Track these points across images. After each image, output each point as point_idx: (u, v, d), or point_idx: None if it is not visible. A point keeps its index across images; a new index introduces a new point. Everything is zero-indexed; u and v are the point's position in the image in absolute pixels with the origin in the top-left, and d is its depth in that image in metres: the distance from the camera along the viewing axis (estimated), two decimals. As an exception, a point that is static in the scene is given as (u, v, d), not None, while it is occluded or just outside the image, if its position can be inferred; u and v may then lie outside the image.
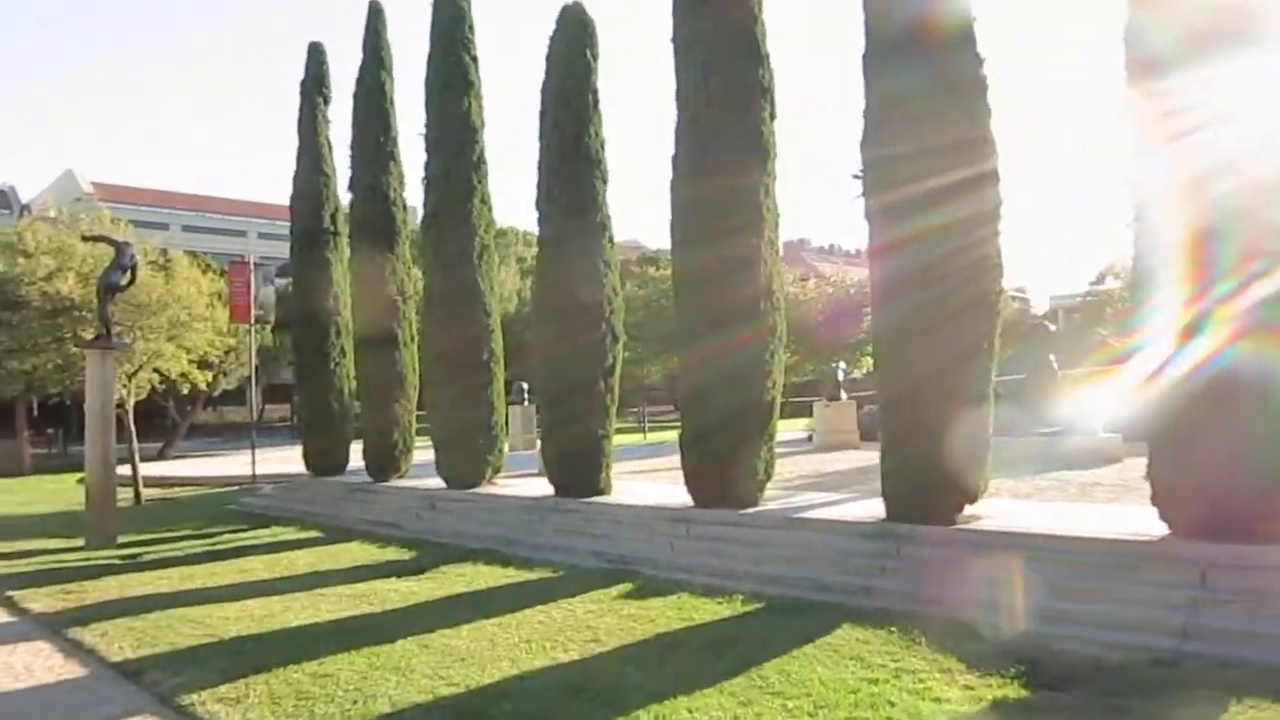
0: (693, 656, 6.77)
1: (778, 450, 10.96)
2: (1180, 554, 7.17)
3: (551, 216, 12.45)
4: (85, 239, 20.59)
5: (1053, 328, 18.64)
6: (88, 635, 8.40)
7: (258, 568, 11.76)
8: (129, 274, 15.66)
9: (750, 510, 10.37)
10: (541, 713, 5.69)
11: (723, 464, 10.38)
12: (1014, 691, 5.69)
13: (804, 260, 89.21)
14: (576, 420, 12.31)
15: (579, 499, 12.42)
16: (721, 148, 10.14)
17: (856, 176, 8.98)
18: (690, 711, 5.57)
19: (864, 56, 9.05)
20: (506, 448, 15.77)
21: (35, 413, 36.98)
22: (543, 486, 13.25)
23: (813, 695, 5.76)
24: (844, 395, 21.93)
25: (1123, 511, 9.05)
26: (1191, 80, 6.74)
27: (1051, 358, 16.26)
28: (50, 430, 39.09)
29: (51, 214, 30.11)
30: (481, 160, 14.32)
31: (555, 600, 8.82)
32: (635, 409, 47.22)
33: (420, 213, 14.81)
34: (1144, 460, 7.58)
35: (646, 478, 15.27)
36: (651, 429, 35.70)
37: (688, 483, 10.94)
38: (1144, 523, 7.68)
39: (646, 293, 37.56)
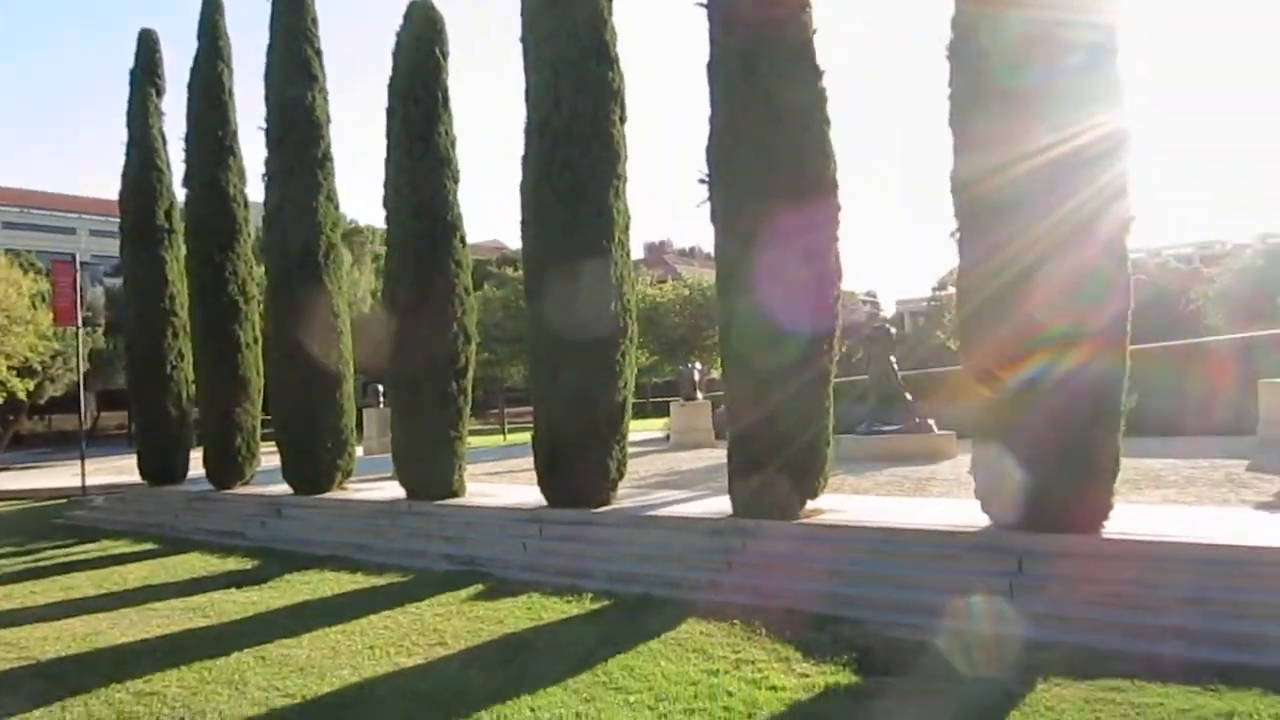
0: (539, 656, 6.79)
1: (634, 450, 11.12)
2: (999, 544, 7.69)
3: (400, 216, 12.20)
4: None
5: (893, 331, 19.52)
6: None
7: (84, 584, 11.04)
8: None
9: (602, 509, 10.47)
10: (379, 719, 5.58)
11: (574, 464, 10.44)
12: (845, 678, 5.97)
13: (665, 262, 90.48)
14: (428, 422, 12.11)
15: (431, 501, 12.24)
16: (571, 149, 10.18)
17: (702, 181, 9.19)
18: (533, 710, 5.59)
19: (708, 66, 9.27)
20: (358, 451, 15.35)
21: None
22: (395, 490, 12.98)
23: (655, 689, 5.88)
24: (700, 395, 22.39)
25: (954, 505, 9.60)
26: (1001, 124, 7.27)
27: (893, 359, 17.06)
28: None
29: None
30: (327, 156, 13.91)
31: (403, 605, 8.67)
32: (495, 410, 46.85)
33: (263, 210, 14.22)
34: (972, 457, 8.10)
35: (504, 479, 15.17)
36: (511, 430, 35.51)
37: (541, 483, 10.96)
38: (971, 515, 8.18)
39: (505, 293, 37.27)
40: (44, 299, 23.03)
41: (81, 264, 24.65)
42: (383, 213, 12.68)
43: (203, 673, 6.81)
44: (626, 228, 10.52)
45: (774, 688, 5.80)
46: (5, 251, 39.37)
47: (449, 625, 7.84)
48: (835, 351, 9.02)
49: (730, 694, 5.72)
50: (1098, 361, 7.05)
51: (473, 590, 9.15)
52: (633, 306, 10.59)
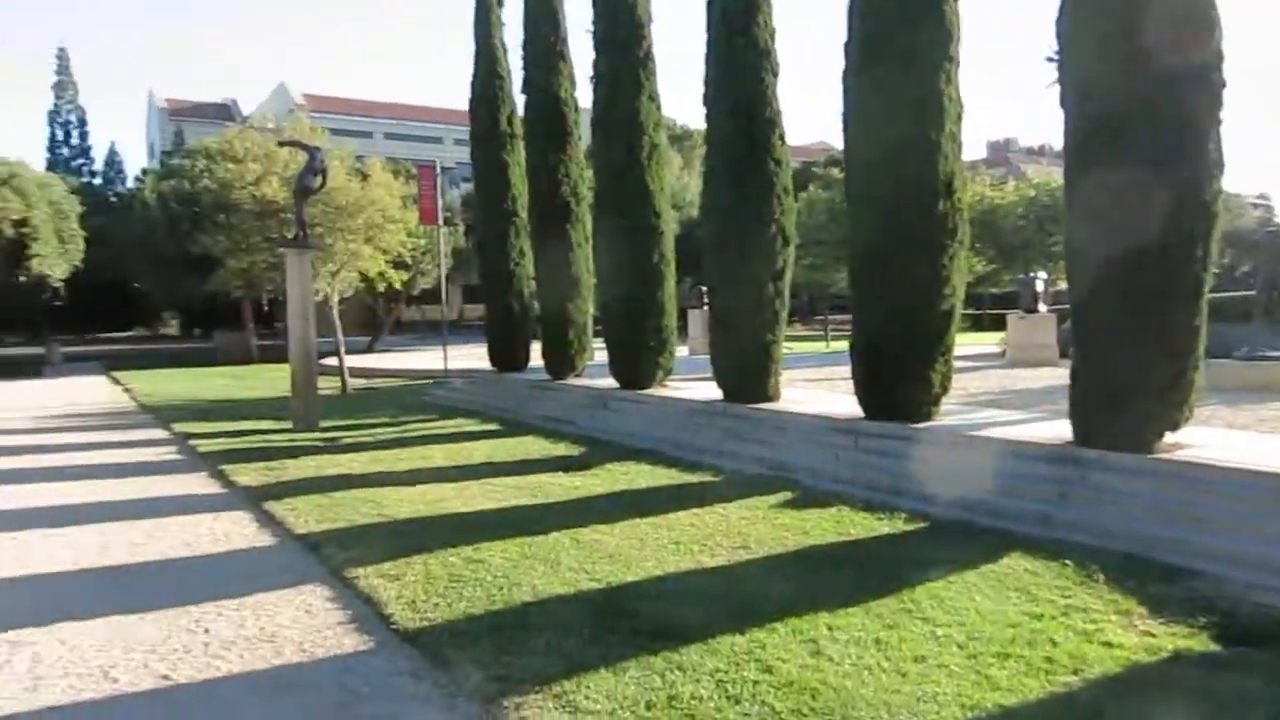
0: (841, 572, 6.51)
1: (963, 364, 10.31)
2: None
3: (717, 114, 11.96)
4: (280, 145, 21.89)
5: (1293, 237, 16.38)
6: (280, 509, 9.11)
7: (437, 456, 12.37)
8: (320, 177, 16.52)
9: (922, 425, 9.84)
10: (677, 615, 5.63)
11: (893, 375, 9.86)
12: (1200, 644, 5.10)
13: (1008, 161, 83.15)
14: (746, 325, 12.00)
15: (746, 404, 12.23)
16: (896, 28, 9.27)
17: (1051, 59, 7.98)
18: (830, 629, 5.35)
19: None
20: (683, 350, 15.68)
21: (266, 308, 40.43)
22: (712, 391, 13.13)
23: (966, 625, 5.39)
24: (1043, 307, 20.39)
25: (1360, 446, 7.91)
26: None
27: (1289, 270, 14.38)
28: (278, 324, 42.74)
29: (266, 124, 32.21)
30: (649, 57, 13.90)
31: (710, 504, 8.74)
32: (820, 317, 46.24)
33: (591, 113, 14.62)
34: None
35: (822, 387, 14.83)
36: (835, 337, 34.77)
37: (857, 393, 10.50)
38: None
39: (830, 195, 36.05)
40: (411, 201, 25.76)
41: (442, 169, 27.25)
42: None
43: (524, 548, 7.31)
44: (959, 118, 9.48)
45: (1108, 644, 5.09)
46: (386, 159, 44.73)
47: (753, 529, 7.78)
48: (1211, 259, 7.57)
49: (1054, 643, 5.10)
50: None
51: (780, 497, 9.02)
52: (963, 206, 9.62)
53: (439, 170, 25.09)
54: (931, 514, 8.08)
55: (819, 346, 29.57)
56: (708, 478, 10.26)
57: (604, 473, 10.78)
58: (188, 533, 8.44)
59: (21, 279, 33.55)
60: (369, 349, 37.69)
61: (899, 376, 9.84)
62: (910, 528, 7.77)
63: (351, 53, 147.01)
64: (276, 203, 21.25)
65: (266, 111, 49.30)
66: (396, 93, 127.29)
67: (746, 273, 11.82)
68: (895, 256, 9.48)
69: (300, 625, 5.87)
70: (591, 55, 14.20)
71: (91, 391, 24.38)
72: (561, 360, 16.83)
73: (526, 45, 16.37)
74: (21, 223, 33.12)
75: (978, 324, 37.62)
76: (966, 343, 20.83)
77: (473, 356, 26.00)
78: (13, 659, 5.37)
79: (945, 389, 10.01)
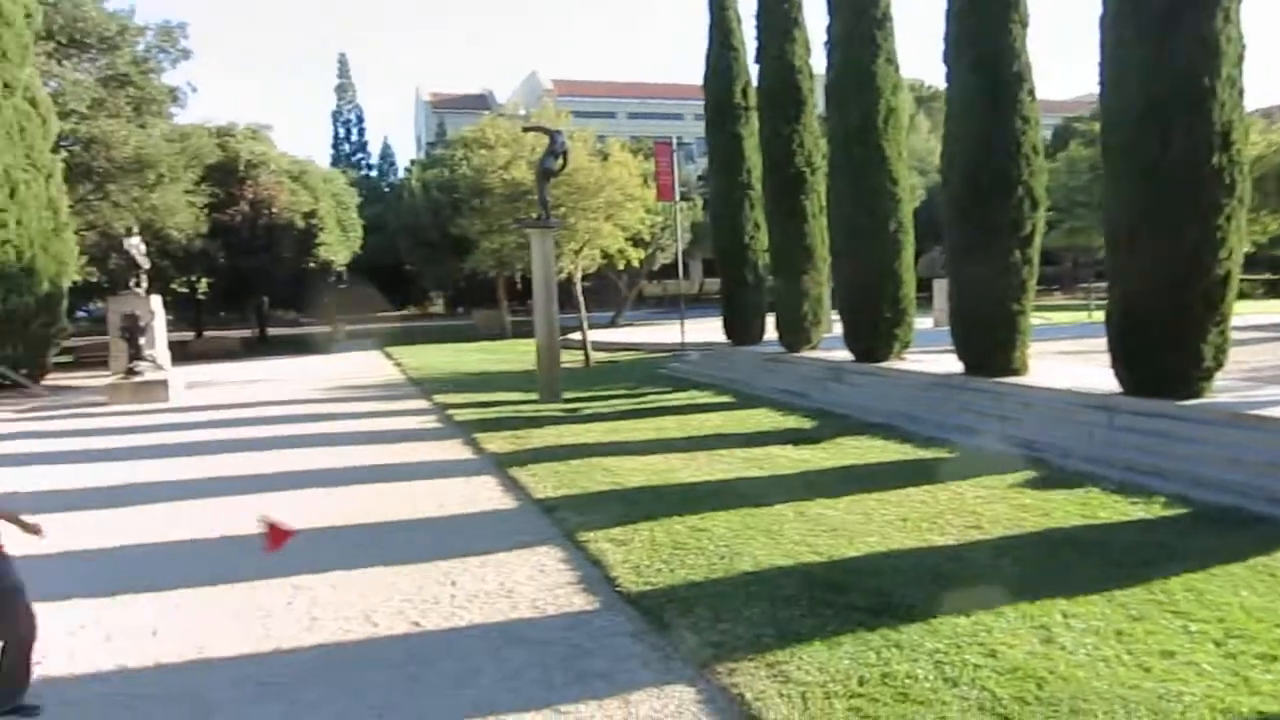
0: (1084, 557, 6.06)
1: (1245, 336, 9.20)
2: None
3: (958, 71, 11.30)
4: (525, 130, 23.06)
5: None
6: (523, 474, 9.72)
7: (670, 426, 12.69)
8: (561, 159, 17.26)
9: (1190, 401, 8.91)
10: (898, 593, 5.48)
11: (1156, 347, 8.97)
12: None
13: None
14: (988, 294, 11.36)
15: (988, 378, 11.60)
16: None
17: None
18: (1065, 616, 5.01)
19: None
20: (926, 322, 15.10)
21: (519, 286, 43.01)
22: (952, 363, 12.55)
23: (1226, 621, 4.87)
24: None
25: None
26: None
27: None
28: (529, 301, 45.38)
29: (518, 111, 34.11)
30: (886, 16, 13.32)
31: (945, 481, 8.40)
32: (1082, 284, 42.80)
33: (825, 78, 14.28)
34: None
35: (1079, 360, 13.75)
36: (1098, 307, 32.05)
37: (1115, 366, 9.66)
38: None
39: (1093, 153, 33.01)
40: (648, 178, 26.39)
41: (679, 144, 27.67)
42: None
43: (747, 518, 7.37)
44: (1239, 60, 8.40)
45: None
46: (629, 138, 45.98)
47: (988, 509, 7.39)
48: None
49: (1339, 650, 4.50)
50: None
51: (1022, 476, 8.50)
52: (1244, 160, 8.53)
53: (676, 146, 25.52)
54: (1195, 499, 7.32)
55: (1079, 316, 27.34)
56: (943, 454, 9.85)
57: (834, 447, 10.62)
58: (442, 494, 9.21)
59: (311, 264, 37.67)
60: (611, 323, 39.11)
61: (1162, 349, 8.95)
62: (1169, 513, 7.09)
63: (597, 35, 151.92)
64: (524, 185, 22.45)
65: (518, 99, 52.14)
66: (639, 72, 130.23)
67: (989, 238, 11.17)
68: (1158, 217, 8.60)
69: (534, 583, 6.26)
70: (826, 20, 13.86)
71: (368, 365, 27.01)
72: (795, 332, 16.69)
73: (760, 14, 16.22)
74: (310, 214, 37.19)
75: (1275, 290, 33.28)
76: (1248, 311, 18.57)
77: (710, 330, 26.28)
78: (295, 601, 6.12)
79: (1219, 363, 8.99)
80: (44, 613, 4.57)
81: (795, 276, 16.32)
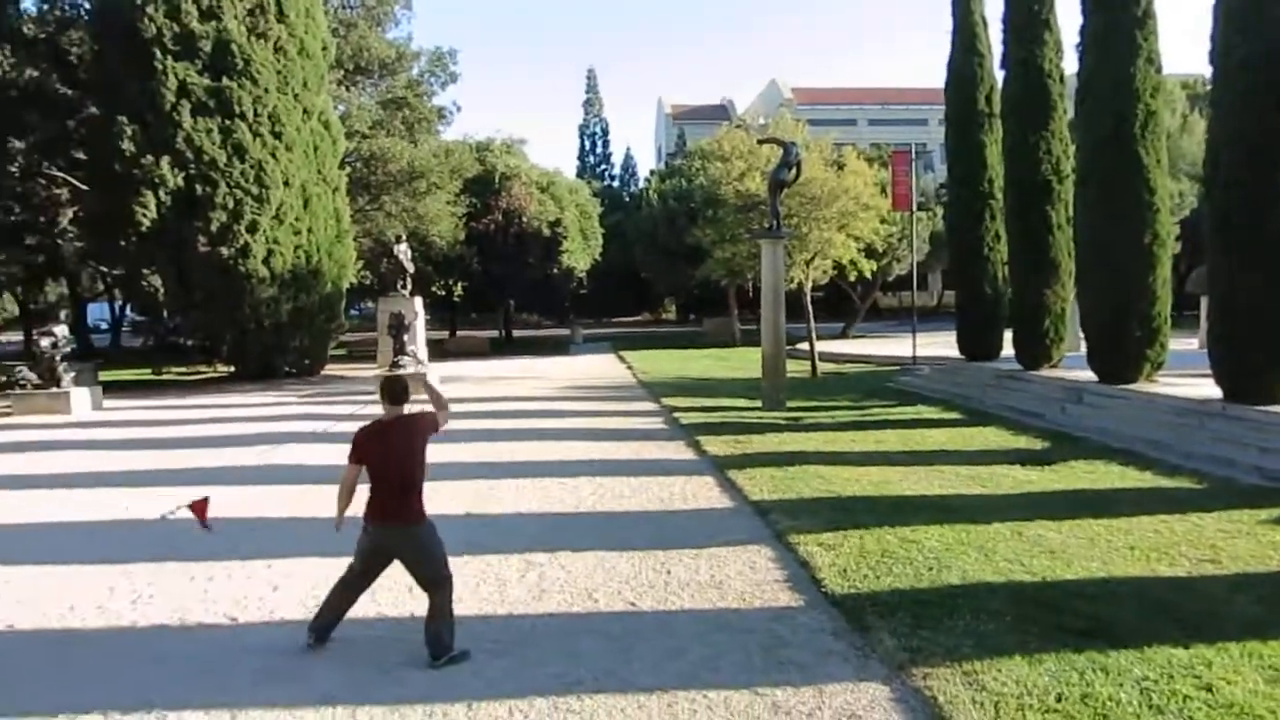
0: (1340, 601, 5.59)
1: None
2: None
3: (1227, 69, 10.44)
4: (760, 142, 23.33)
5: None
6: (740, 477, 10.05)
7: (891, 440, 12.58)
8: (794, 170, 17.44)
9: None
10: (1113, 618, 5.33)
11: None
12: None
13: None
14: (1251, 310, 10.43)
15: (1252, 405, 10.64)
16: None
17: None
18: (1304, 659, 4.70)
19: None
20: (1186, 342, 14.01)
21: (750, 295, 43.48)
22: (1210, 388, 11.61)
23: None
24: None
25: None
26: None
27: None
28: (759, 310, 45.71)
29: (757, 121, 34.52)
30: (1148, 14, 12.47)
31: (1184, 513, 7.90)
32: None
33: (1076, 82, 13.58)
34: None
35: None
36: None
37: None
38: None
39: None
40: (883, 188, 25.96)
41: (919, 153, 26.99)
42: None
43: (960, 534, 7.32)
44: None
45: None
46: (870, 145, 45.21)
47: (1230, 543, 6.91)
48: None
49: None
50: None
51: (1275, 512, 7.83)
52: None
53: (915, 155, 24.97)
54: None
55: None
56: (1187, 484, 9.20)
57: (1065, 469, 10.17)
58: (664, 490, 9.73)
59: (554, 270, 39.94)
60: (842, 334, 38.64)
61: None
62: None
63: (838, 42, 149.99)
64: (757, 196, 22.75)
65: (757, 109, 52.62)
66: (880, 78, 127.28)
67: (1257, 251, 10.25)
68: None
69: (744, 578, 6.58)
70: (1079, 21, 13.21)
71: (602, 367, 28.36)
72: (1034, 349, 15.96)
73: (1007, 16, 15.65)
74: (556, 223, 39.47)
75: None
76: None
77: (945, 344, 25.56)
78: (527, 574, 6.78)
79: None
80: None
81: (1037, 290, 15.60)
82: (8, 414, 18.27)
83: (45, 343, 19.10)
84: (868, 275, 27.28)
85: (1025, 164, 15.48)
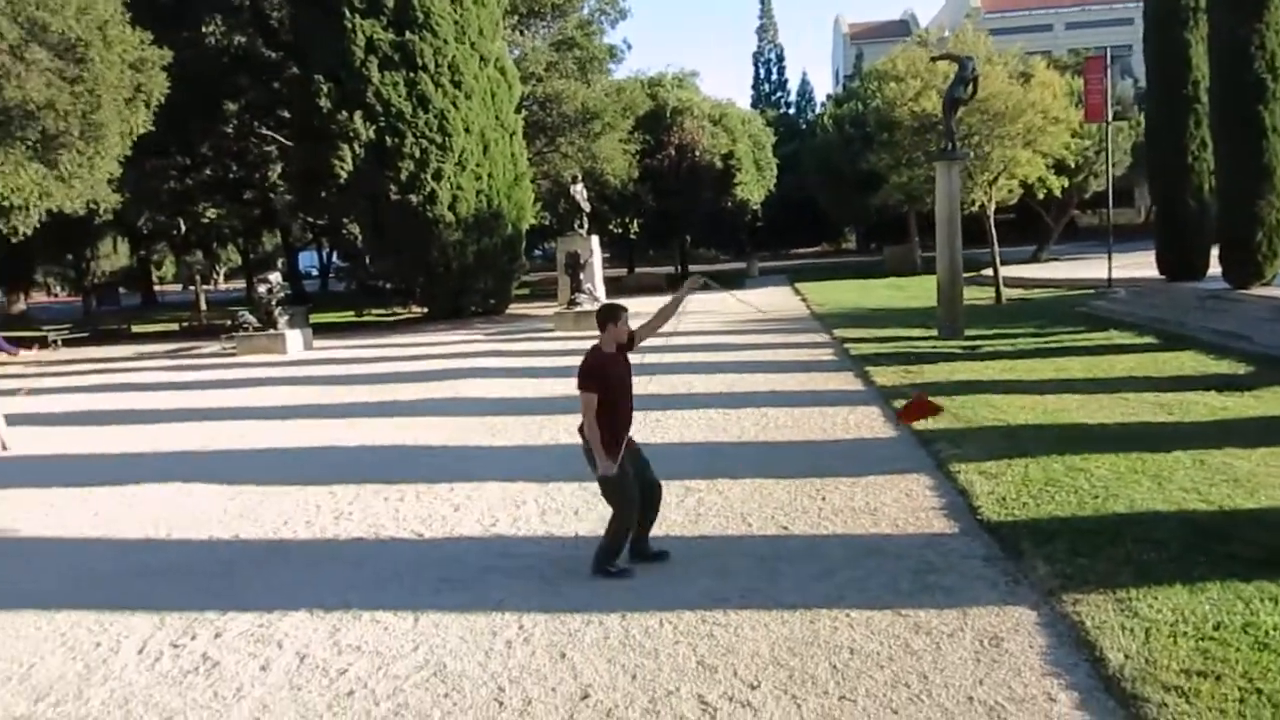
0: None
1: None
2: None
3: None
4: (933, 60, 22.11)
5: None
6: (905, 406, 9.92)
7: (1074, 367, 12.00)
8: (970, 86, 16.53)
9: None
10: (1291, 549, 5.03)
11: None
12: None
13: None
14: None
15: None
16: None
17: None
18: None
19: None
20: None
21: (933, 220, 41.83)
22: None
23: None
24: None
25: None
26: None
27: None
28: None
29: (941, 34, 32.69)
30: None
31: (1406, 441, 7.20)
32: None
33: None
34: None
35: None
36: None
37: None
38: None
39: None
40: (1075, 98, 24.12)
41: (1113, 58, 24.83)
42: None
43: (1134, 463, 7.00)
44: None
45: None
46: (1067, 52, 41.92)
47: None
48: None
49: None
50: None
51: None
52: None
53: (1109, 60, 23.02)
54: None
55: None
56: None
57: (1269, 395, 9.43)
58: (826, 420, 9.76)
59: (728, 204, 39.77)
60: (1033, 258, 36.55)
61: None
62: None
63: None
64: (934, 116, 21.69)
65: (941, 21, 49.73)
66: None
67: None
68: None
69: (898, 505, 6.61)
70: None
71: (776, 299, 28.17)
72: (1244, 266, 14.67)
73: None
74: (729, 155, 39.18)
75: None
76: None
77: (1147, 264, 23.88)
78: (685, 500, 7.06)
79: None
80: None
81: (1248, 200, 14.25)
82: (234, 354, 20.36)
83: (263, 289, 21.05)
84: (1058, 193, 25.59)
85: (1234, 60, 14.02)
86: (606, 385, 5.37)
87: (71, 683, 4.62)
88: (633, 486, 5.45)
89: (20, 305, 49.13)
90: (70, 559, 6.62)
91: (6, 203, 18.90)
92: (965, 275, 17.35)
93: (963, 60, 16.73)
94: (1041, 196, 26.43)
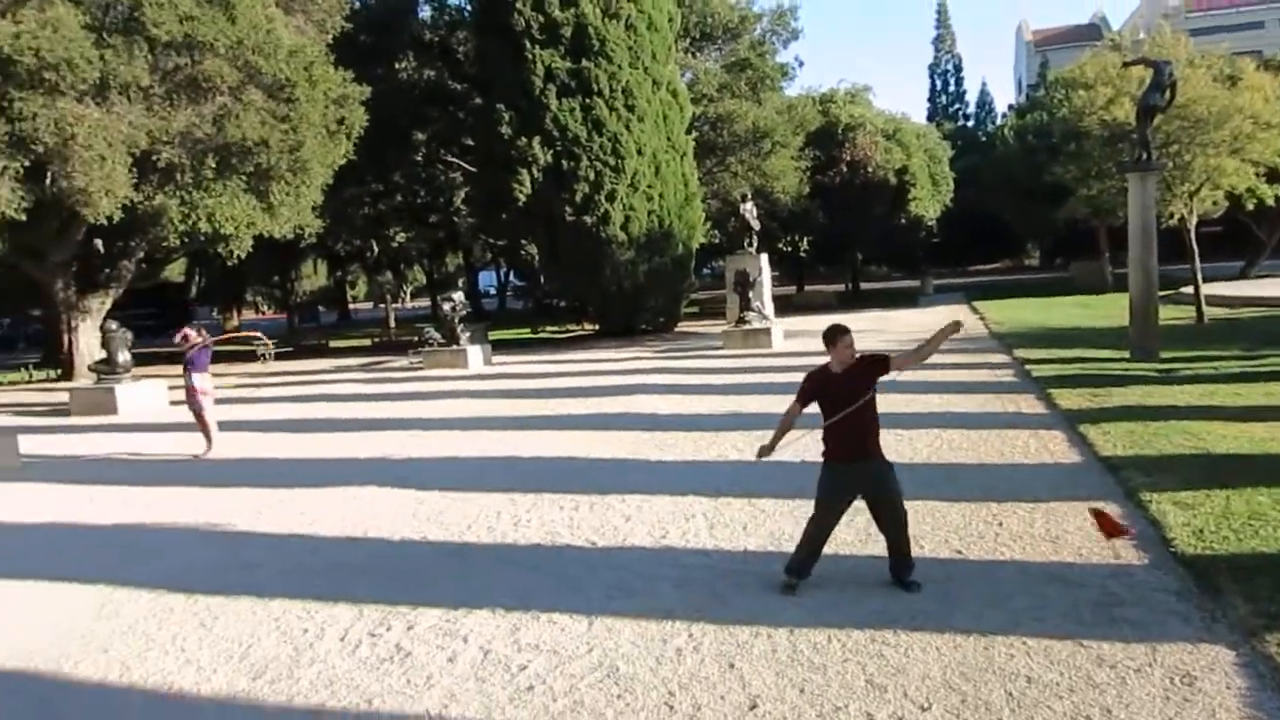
0: None
1: None
2: None
3: None
4: (1125, 65, 20.81)
5: None
6: (1092, 432, 9.44)
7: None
8: (1167, 93, 15.53)
9: None
10: None
11: None
12: None
13: None
14: None
15: None
16: None
17: None
18: None
19: None
20: None
21: (1124, 235, 39.37)
22: None
23: None
24: None
25: None
26: None
27: None
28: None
29: (1136, 37, 30.82)
30: None
31: None
32: None
33: None
34: None
35: None
36: None
37: None
38: None
39: None
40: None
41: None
42: None
43: (1356, 498, 6.42)
44: None
45: None
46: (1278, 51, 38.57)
47: None
48: None
49: None
50: None
51: None
52: None
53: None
54: None
55: None
56: None
57: None
58: (1005, 443, 9.42)
59: (902, 220, 38.81)
60: (1242, 274, 33.73)
61: None
62: None
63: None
64: (1126, 125, 20.51)
65: (1136, 23, 46.84)
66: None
67: None
68: None
69: (1082, 533, 6.32)
70: None
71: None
72: None
73: None
74: (903, 170, 38.25)
75: None
76: None
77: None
78: (854, 520, 6.93)
79: None
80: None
81: None
82: (420, 368, 21.64)
83: (447, 307, 22.28)
84: (1270, 204, 23.56)
85: None
86: (822, 401, 5.70)
87: (284, 663, 5.11)
88: (826, 502, 5.65)
89: (234, 322, 53.86)
90: (280, 552, 7.28)
91: (226, 230, 20.88)
92: (1162, 293, 16.27)
93: (1159, 65, 15.75)
94: (1251, 208, 24.43)
